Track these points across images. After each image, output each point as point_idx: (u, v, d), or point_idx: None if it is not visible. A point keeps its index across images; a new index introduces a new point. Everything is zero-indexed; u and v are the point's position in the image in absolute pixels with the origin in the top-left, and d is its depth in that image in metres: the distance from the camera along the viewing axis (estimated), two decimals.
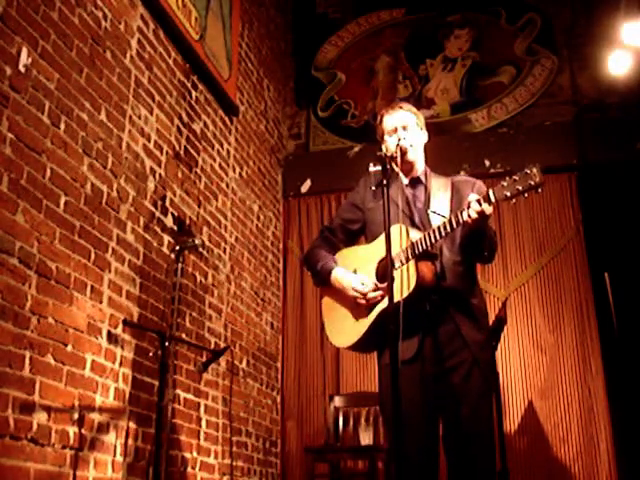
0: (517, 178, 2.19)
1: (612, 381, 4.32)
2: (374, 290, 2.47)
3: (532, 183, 2.16)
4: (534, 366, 4.49)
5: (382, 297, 2.43)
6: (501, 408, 3.29)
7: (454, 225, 2.32)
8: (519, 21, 5.32)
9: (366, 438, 4.41)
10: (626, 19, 4.33)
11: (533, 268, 4.69)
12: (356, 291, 2.50)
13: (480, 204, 2.24)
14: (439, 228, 2.34)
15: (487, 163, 4.94)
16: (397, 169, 2.61)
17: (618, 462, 4.16)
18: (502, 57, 5.27)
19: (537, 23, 5.28)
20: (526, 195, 2.19)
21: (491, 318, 3.53)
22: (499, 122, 5.09)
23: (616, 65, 4.56)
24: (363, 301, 2.49)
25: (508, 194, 2.21)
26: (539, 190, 2.17)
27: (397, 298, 2.15)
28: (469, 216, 2.26)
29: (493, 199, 2.24)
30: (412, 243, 2.38)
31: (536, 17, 5.29)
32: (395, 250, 2.30)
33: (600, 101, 4.91)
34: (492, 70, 5.26)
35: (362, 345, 2.57)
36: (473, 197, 2.28)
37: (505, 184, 2.22)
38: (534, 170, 2.17)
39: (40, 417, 2.38)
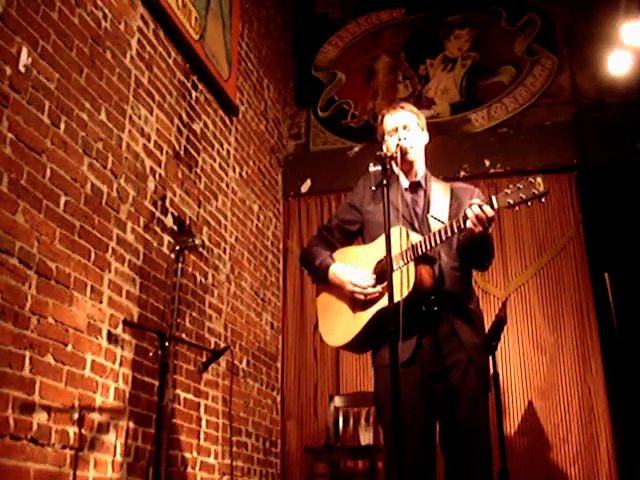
0: (521, 186, 2.19)
1: (612, 381, 4.32)
2: (373, 287, 2.47)
3: (535, 192, 2.17)
4: (534, 366, 4.48)
5: (380, 294, 2.44)
6: (501, 408, 3.28)
7: (455, 230, 2.32)
8: (519, 21, 5.32)
9: (366, 438, 4.41)
10: (626, 19, 4.33)
11: (533, 268, 4.69)
12: (355, 285, 2.50)
13: (482, 209, 2.24)
14: (440, 232, 2.34)
15: (487, 163, 4.93)
16: (397, 170, 2.61)
17: (618, 462, 4.16)
18: (502, 57, 5.27)
19: (537, 23, 5.28)
20: (529, 204, 2.19)
21: (491, 318, 3.54)
22: (499, 122, 5.08)
23: (616, 65, 4.56)
24: (361, 296, 2.49)
25: (511, 202, 2.21)
26: (542, 200, 2.18)
27: (396, 299, 2.15)
28: (470, 219, 2.25)
29: (496, 205, 2.24)
30: (412, 245, 2.37)
31: (536, 17, 5.29)
32: (394, 252, 2.29)
33: (600, 101, 4.91)
34: (492, 70, 5.26)
35: (356, 344, 2.56)
36: (476, 201, 2.28)
37: (508, 191, 2.22)
38: (538, 180, 2.17)
39: (40, 417, 2.38)
